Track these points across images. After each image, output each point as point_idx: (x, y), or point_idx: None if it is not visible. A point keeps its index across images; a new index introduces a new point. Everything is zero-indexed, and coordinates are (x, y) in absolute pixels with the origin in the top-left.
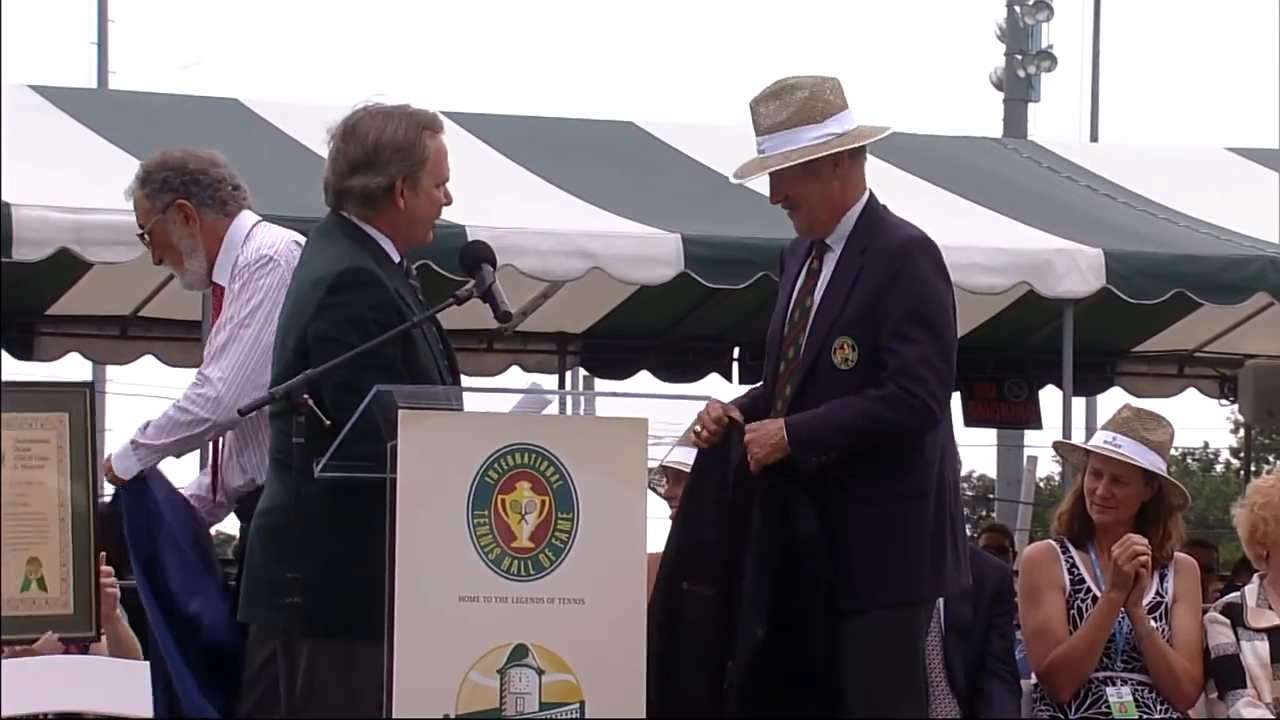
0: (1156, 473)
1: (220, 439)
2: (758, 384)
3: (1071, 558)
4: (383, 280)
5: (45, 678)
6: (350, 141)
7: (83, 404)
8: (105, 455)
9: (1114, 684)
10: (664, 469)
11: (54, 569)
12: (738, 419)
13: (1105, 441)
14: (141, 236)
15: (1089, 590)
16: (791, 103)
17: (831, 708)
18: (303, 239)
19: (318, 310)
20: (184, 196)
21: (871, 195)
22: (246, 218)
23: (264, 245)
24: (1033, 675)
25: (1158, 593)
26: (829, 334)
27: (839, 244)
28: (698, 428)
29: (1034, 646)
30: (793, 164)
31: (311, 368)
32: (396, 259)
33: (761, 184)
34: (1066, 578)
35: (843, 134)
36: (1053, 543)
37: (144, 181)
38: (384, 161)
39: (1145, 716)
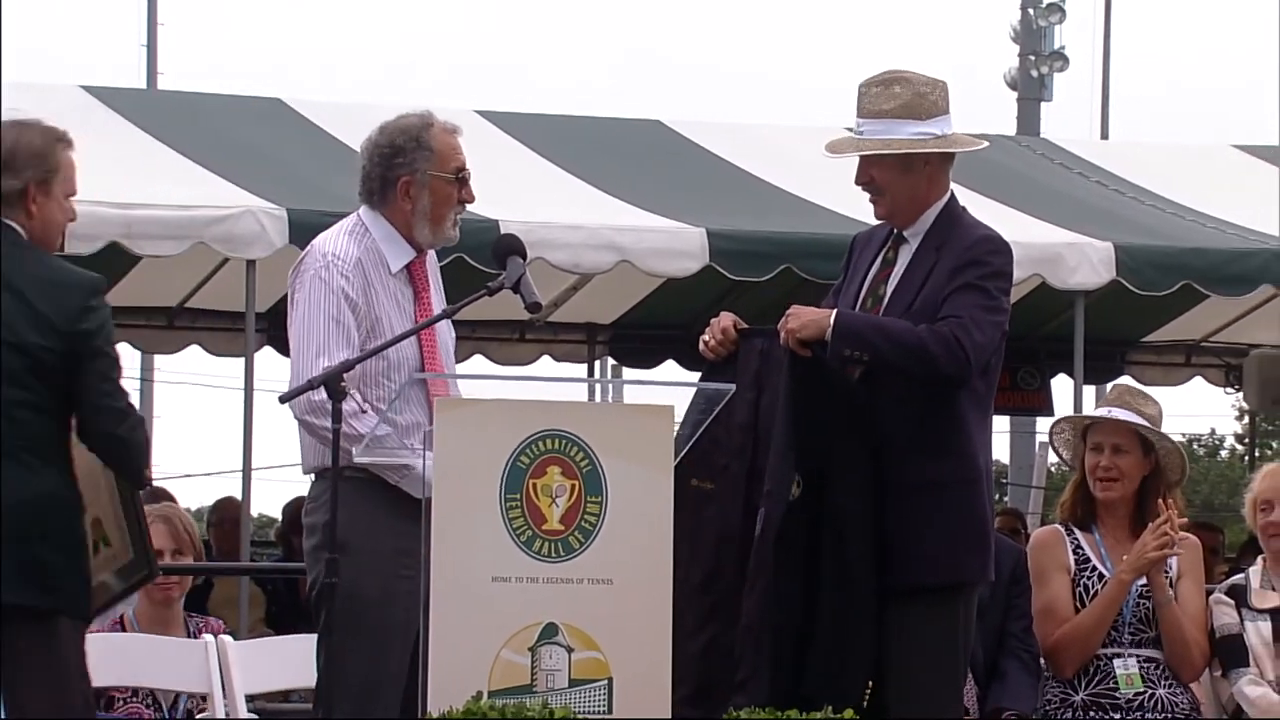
0: (1155, 444)
1: None
2: None
3: (1076, 539)
4: None
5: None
6: None
7: None
8: None
9: (1121, 658)
10: None
11: (110, 521)
12: (749, 327)
13: (1103, 414)
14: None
15: (1094, 568)
16: (900, 95)
17: (876, 687)
18: None
19: (84, 312)
20: None
21: (953, 196)
22: None
23: None
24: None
25: (1163, 569)
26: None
27: (916, 238)
28: (705, 337)
29: (1040, 625)
30: (888, 154)
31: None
32: None
33: (788, 178)
34: (1071, 559)
35: (941, 136)
36: (1058, 527)
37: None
38: (19, 166)
39: (1150, 690)
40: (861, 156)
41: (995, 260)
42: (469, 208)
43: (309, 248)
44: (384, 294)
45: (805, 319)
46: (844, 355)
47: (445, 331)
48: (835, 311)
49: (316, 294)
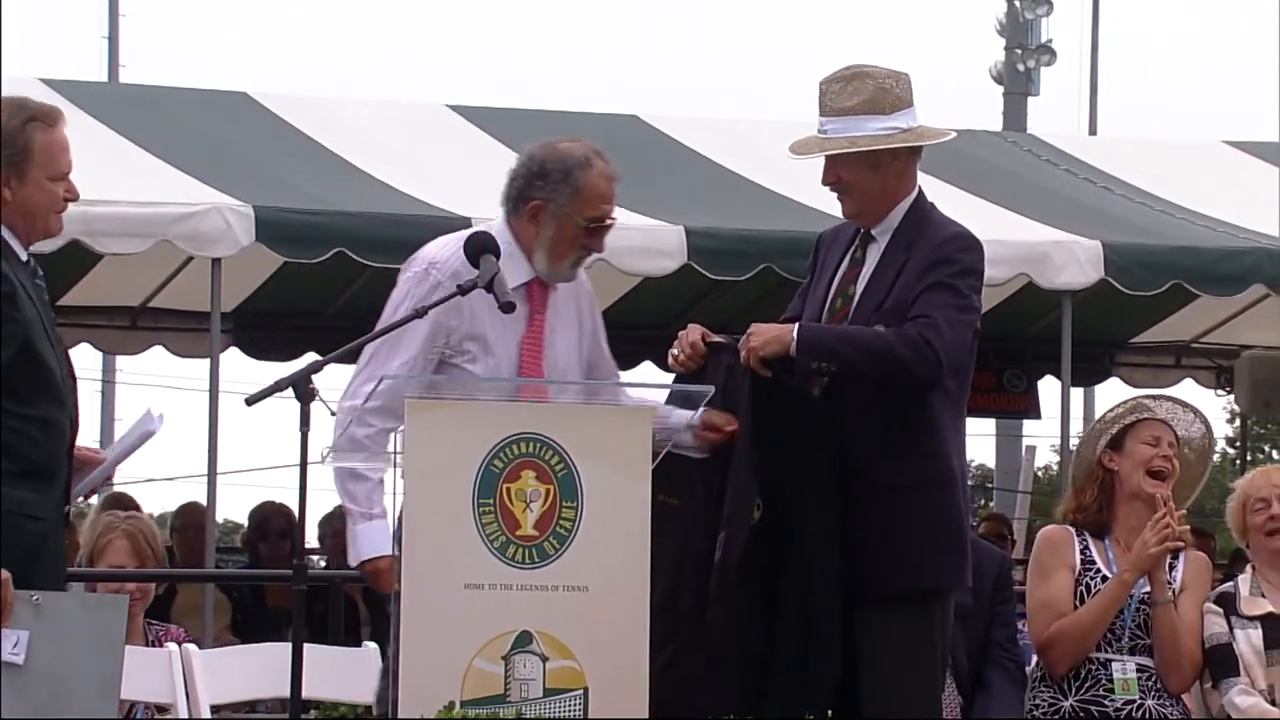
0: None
1: None
2: None
3: (1086, 542)
4: None
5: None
6: None
7: None
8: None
9: (1119, 662)
10: None
11: None
12: (717, 340)
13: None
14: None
15: (1099, 570)
16: (862, 90)
17: (850, 692)
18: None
19: None
20: None
21: (921, 192)
22: None
23: None
24: (1034, 658)
25: (1164, 568)
26: (870, 322)
27: (885, 236)
28: (674, 350)
29: (1037, 619)
30: (854, 151)
31: None
32: (19, 249)
33: (768, 174)
34: (1078, 559)
35: (906, 130)
36: (1069, 526)
37: None
38: None
39: (1140, 700)
40: (827, 156)
41: (965, 258)
42: (441, 205)
43: (421, 249)
44: (489, 310)
45: (767, 336)
46: (811, 368)
47: (567, 349)
48: (797, 325)
49: (398, 302)
